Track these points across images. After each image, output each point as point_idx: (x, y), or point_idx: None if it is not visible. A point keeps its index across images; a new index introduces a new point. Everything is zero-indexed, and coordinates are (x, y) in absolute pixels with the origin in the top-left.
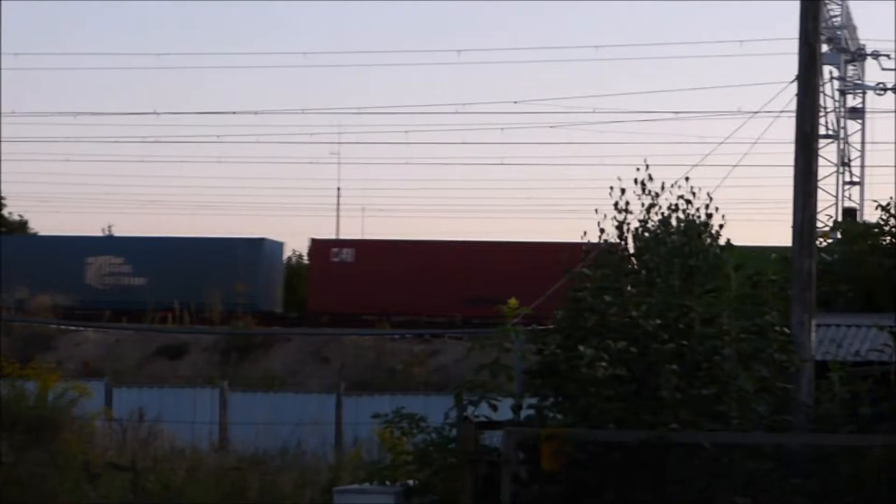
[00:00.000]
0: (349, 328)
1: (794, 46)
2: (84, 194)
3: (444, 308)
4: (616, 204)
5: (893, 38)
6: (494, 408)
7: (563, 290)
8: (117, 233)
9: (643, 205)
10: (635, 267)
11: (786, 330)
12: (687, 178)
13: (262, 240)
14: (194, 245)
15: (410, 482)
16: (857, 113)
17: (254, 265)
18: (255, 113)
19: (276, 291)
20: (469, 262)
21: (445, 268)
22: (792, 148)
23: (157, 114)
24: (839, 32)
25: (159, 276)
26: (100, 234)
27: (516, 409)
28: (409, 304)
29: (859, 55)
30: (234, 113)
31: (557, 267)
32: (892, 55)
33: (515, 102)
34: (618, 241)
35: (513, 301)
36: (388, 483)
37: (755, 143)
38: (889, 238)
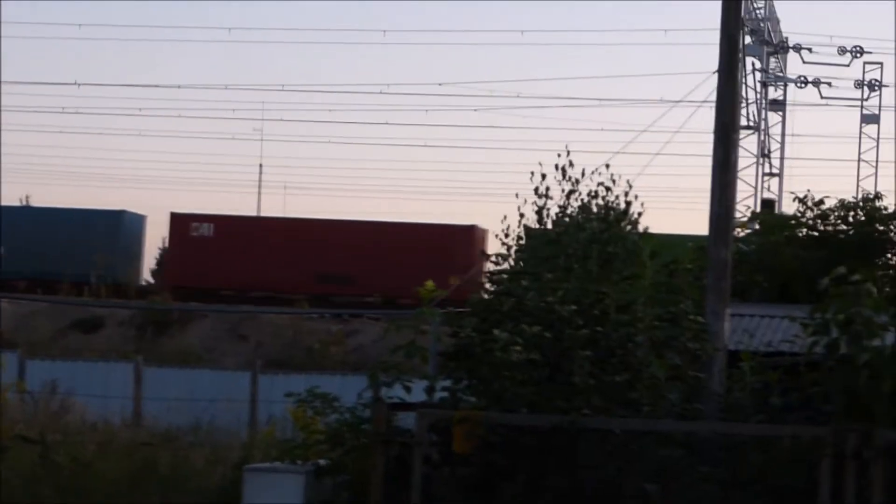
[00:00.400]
0: (267, 306)
1: (716, 37)
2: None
3: (298, 284)
4: (536, 189)
5: (893, 37)
6: (408, 389)
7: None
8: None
9: (563, 191)
10: (554, 252)
11: (700, 319)
12: (607, 166)
13: (121, 212)
14: (52, 216)
15: (322, 462)
16: (778, 105)
17: (112, 237)
18: (178, 87)
19: (135, 264)
20: (324, 239)
21: (301, 245)
22: (712, 138)
23: (78, 84)
24: (762, 25)
25: (16, 246)
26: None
27: (430, 391)
28: (265, 280)
29: (781, 48)
30: (156, 86)
31: (409, 247)
32: (814, 48)
33: (440, 85)
34: (538, 225)
35: (429, 283)
36: (299, 462)
37: (677, 132)
38: (805, 230)
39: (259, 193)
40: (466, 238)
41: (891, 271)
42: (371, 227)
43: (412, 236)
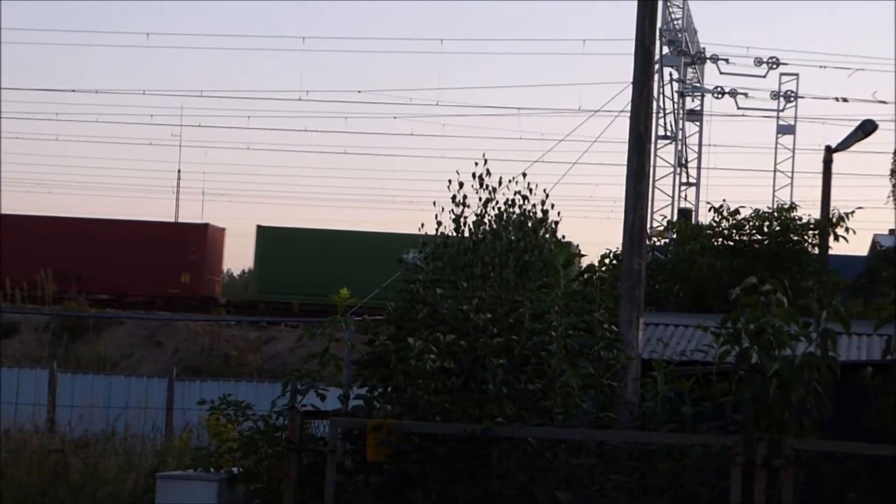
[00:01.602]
0: (185, 313)
1: (633, 47)
2: None
3: (36, 282)
4: (454, 197)
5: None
6: (322, 397)
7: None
8: None
9: (481, 199)
10: (470, 261)
11: (614, 328)
12: (524, 175)
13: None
14: None
15: (235, 469)
16: (696, 115)
17: None
18: (96, 92)
19: None
20: (61, 237)
21: (40, 242)
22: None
23: None
24: (679, 35)
25: None
26: None
27: (344, 399)
28: (12, 278)
29: (699, 58)
30: (73, 91)
31: (140, 245)
32: (731, 59)
33: (359, 92)
34: (454, 233)
35: (344, 291)
36: (212, 470)
37: (595, 141)
38: (720, 239)
39: (177, 199)
40: (199, 236)
41: (802, 281)
42: (102, 225)
43: (143, 234)
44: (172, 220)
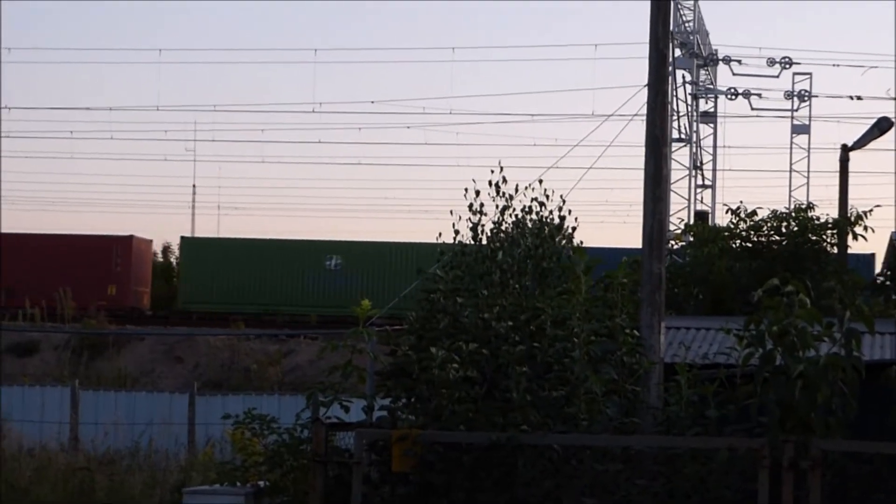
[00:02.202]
0: (203, 328)
1: (646, 50)
2: None
3: None
4: (471, 205)
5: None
6: (346, 409)
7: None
8: None
9: (497, 207)
10: (489, 269)
11: (635, 332)
12: (541, 181)
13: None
14: None
15: (261, 483)
16: (710, 117)
17: None
18: (109, 109)
19: None
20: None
21: None
22: (644, 151)
23: (9, 108)
24: (692, 37)
25: None
26: None
27: (368, 410)
28: None
29: (711, 60)
30: (87, 109)
31: (67, 258)
32: (744, 60)
33: (372, 102)
34: (472, 242)
35: (365, 303)
36: (238, 484)
37: (609, 145)
38: (739, 241)
39: (193, 214)
40: (123, 248)
41: (823, 282)
42: (29, 239)
43: (70, 247)
44: (189, 234)
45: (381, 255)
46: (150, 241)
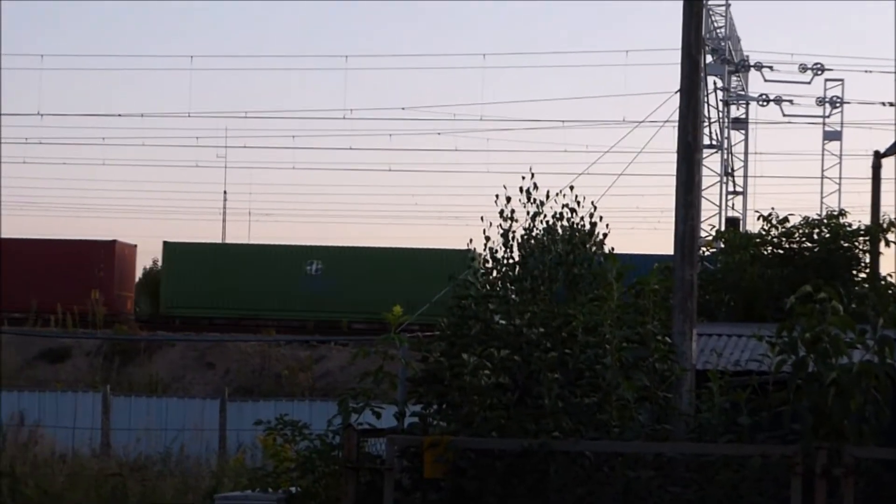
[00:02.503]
0: (233, 334)
1: (678, 57)
2: None
3: None
4: (502, 212)
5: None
6: (378, 415)
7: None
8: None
9: (528, 213)
10: (520, 275)
11: (667, 339)
12: (571, 187)
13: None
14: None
15: (293, 489)
16: (741, 123)
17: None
18: (141, 116)
19: None
20: None
21: None
22: (675, 157)
23: (41, 115)
24: (723, 44)
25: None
26: None
27: (400, 416)
28: None
29: (742, 66)
30: (118, 115)
31: (50, 263)
32: (775, 67)
33: (403, 109)
34: (503, 248)
35: (397, 308)
36: (270, 490)
37: (640, 152)
38: (770, 248)
39: (224, 220)
40: (106, 253)
41: (856, 288)
42: (12, 244)
43: (53, 252)
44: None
45: (362, 259)
46: (135, 245)
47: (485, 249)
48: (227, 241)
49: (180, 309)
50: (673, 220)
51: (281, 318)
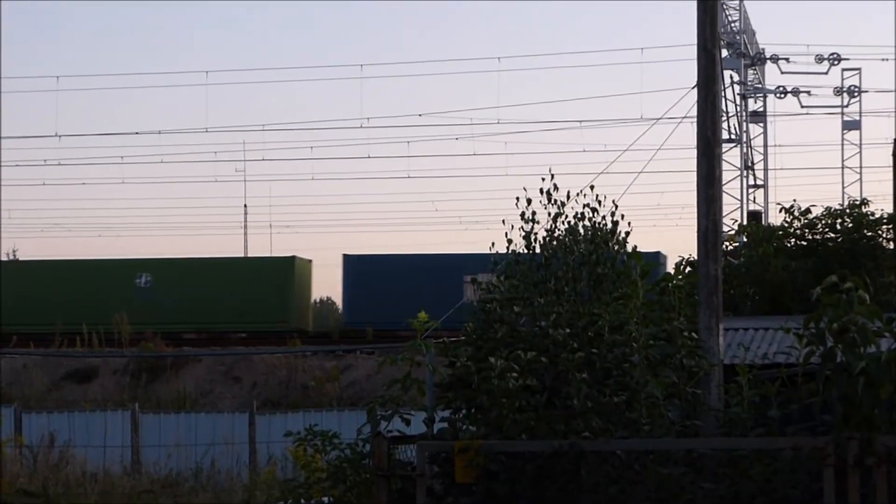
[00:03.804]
0: (259, 346)
1: (693, 52)
2: None
3: None
4: (523, 214)
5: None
6: (407, 422)
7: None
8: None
9: (549, 214)
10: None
11: (694, 335)
12: (592, 187)
13: (293, 258)
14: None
15: (326, 499)
16: (759, 116)
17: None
18: (158, 133)
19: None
20: None
21: None
22: (694, 152)
23: (59, 136)
24: (738, 37)
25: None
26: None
27: (429, 422)
28: None
29: (759, 59)
30: (136, 133)
31: None
32: (791, 58)
33: (420, 115)
34: (526, 251)
35: (422, 315)
36: (303, 501)
37: (659, 149)
38: (793, 240)
39: (245, 234)
40: None
41: (882, 277)
42: None
43: None
44: (241, 254)
45: (192, 271)
46: None
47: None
48: (250, 254)
49: (16, 326)
50: (694, 215)
51: (111, 331)
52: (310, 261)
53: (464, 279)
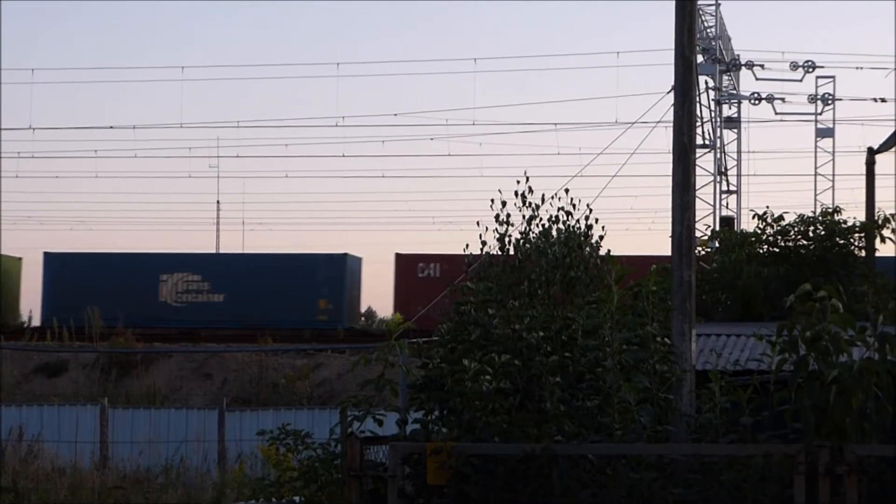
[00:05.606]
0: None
1: (669, 57)
2: None
3: None
4: (497, 216)
5: None
6: (380, 423)
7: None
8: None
9: (524, 217)
10: (518, 279)
11: (667, 340)
12: (567, 190)
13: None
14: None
15: (297, 499)
16: (733, 122)
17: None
18: (133, 128)
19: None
20: None
21: None
22: (668, 157)
23: (33, 129)
24: (713, 43)
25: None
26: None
27: (402, 423)
28: None
29: (734, 65)
30: (111, 128)
31: None
32: (766, 65)
33: (395, 115)
34: (500, 253)
35: (397, 316)
36: (274, 500)
37: (633, 153)
38: (766, 247)
39: (217, 230)
40: None
41: (853, 285)
42: None
43: None
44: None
45: None
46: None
47: (481, 254)
48: (221, 250)
49: None
50: (667, 220)
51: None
52: (19, 259)
53: (159, 278)
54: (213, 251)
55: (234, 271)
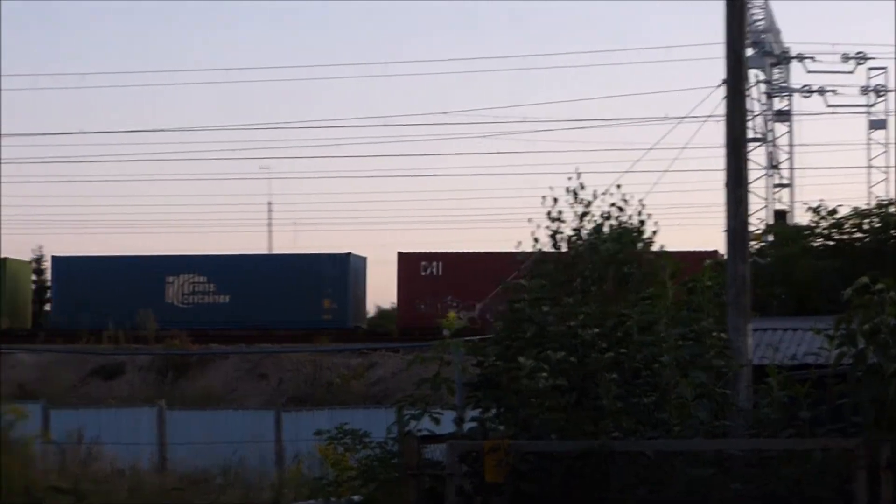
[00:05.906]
0: (287, 345)
1: (718, 51)
2: (11, 216)
3: None
4: (549, 213)
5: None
6: (437, 421)
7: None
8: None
9: (576, 213)
10: (570, 275)
11: (722, 335)
12: (618, 186)
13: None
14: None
15: (355, 498)
16: (784, 115)
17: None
18: (185, 130)
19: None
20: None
21: None
22: (720, 151)
23: (84, 133)
24: (763, 36)
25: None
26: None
27: (458, 421)
28: None
29: (784, 58)
30: (163, 131)
31: None
32: (817, 57)
33: (445, 113)
34: (552, 250)
35: (451, 314)
36: (333, 500)
37: (684, 147)
38: (820, 240)
39: (270, 231)
40: None
41: None
42: None
43: None
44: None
45: None
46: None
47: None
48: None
49: None
50: (719, 214)
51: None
52: (28, 262)
53: (166, 280)
54: (225, 253)
55: (239, 272)
